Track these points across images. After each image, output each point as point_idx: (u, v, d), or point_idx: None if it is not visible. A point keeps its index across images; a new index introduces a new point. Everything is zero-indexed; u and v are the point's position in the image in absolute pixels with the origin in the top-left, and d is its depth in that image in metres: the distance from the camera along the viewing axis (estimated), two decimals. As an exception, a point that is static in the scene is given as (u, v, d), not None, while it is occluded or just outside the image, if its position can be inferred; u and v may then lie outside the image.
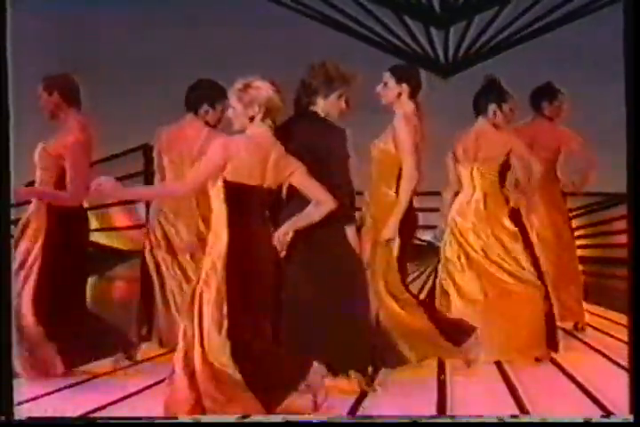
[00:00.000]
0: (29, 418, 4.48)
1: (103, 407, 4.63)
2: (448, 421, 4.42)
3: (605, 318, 7.87)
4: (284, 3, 11.61)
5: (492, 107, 5.80)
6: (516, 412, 4.55)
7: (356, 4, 11.37)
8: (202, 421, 4.39)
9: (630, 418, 4.33)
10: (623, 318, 7.81)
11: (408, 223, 5.31)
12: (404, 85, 5.27)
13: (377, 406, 4.63)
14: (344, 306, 4.68)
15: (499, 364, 5.63)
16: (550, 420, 4.38)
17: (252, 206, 4.29)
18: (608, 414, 4.49)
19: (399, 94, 5.27)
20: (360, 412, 4.54)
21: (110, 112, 6.79)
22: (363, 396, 4.77)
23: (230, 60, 11.55)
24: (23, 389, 4.78)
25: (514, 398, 4.86)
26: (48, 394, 4.92)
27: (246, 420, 4.36)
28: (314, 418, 4.40)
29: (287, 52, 10.23)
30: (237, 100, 4.26)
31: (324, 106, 4.71)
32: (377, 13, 11.36)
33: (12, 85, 4.40)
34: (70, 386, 5.12)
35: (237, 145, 4.25)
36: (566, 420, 4.37)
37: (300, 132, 4.55)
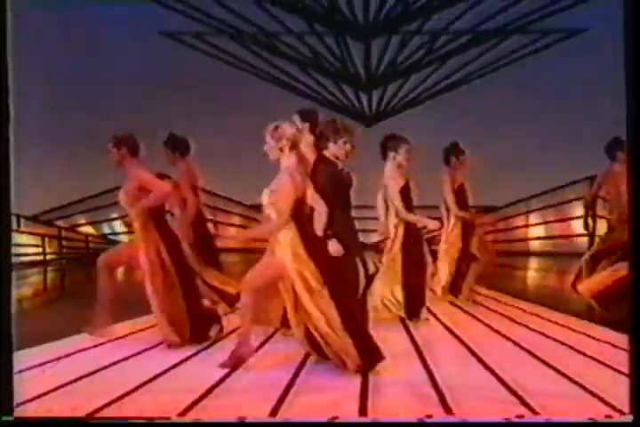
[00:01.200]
0: (29, 418, 4.49)
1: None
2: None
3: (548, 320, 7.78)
4: (238, 65, 16.40)
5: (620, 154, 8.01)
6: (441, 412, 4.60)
7: (304, 73, 16.79)
8: (202, 421, 4.42)
9: (630, 418, 4.33)
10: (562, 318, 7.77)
11: None
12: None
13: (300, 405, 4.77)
14: None
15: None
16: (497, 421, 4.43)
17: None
18: (534, 413, 4.53)
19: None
20: (280, 415, 4.61)
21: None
22: (284, 396, 4.96)
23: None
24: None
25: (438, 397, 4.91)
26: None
27: (246, 420, 4.40)
28: (314, 419, 4.45)
29: (245, 105, 15.07)
30: (270, 137, 5.72)
31: (333, 149, 6.15)
32: (318, 78, 16.84)
33: (12, 85, 4.40)
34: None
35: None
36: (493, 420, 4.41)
37: (322, 174, 6.09)
